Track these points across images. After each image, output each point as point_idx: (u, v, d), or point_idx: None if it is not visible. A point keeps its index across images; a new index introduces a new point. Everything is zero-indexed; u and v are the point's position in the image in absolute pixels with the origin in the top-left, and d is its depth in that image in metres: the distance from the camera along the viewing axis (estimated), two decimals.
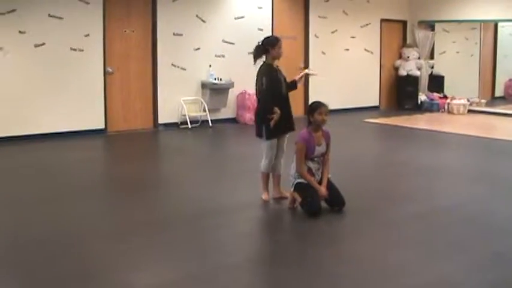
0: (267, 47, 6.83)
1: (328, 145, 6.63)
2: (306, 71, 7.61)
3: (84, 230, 5.89)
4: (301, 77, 7.20)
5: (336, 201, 6.50)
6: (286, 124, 6.88)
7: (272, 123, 6.66)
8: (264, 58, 6.91)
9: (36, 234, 5.74)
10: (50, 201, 6.97)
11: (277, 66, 6.96)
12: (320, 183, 6.52)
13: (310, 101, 13.05)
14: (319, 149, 6.54)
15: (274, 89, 6.74)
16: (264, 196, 6.94)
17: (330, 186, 6.55)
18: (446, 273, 4.88)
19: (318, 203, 6.38)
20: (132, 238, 5.69)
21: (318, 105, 6.53)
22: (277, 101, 6.72)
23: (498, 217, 6.48)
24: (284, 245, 5.66)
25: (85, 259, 5.11)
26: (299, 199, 6.48)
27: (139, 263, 5.11)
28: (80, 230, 5.90)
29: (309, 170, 6.53)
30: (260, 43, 6.91)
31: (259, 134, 6.92)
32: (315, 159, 6.56)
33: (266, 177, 6.98)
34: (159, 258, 5.22)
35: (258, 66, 6.91)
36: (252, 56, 6.96)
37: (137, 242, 5.59)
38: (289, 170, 6.67)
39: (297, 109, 14.31)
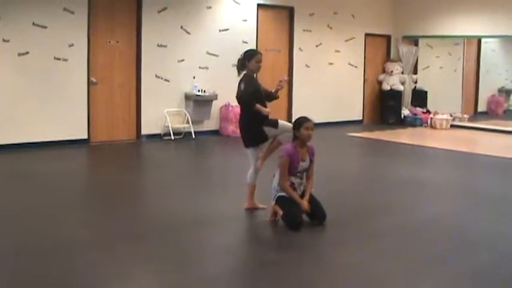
0: (245, 60, 6.91)
1: (312, 161, 6.64)
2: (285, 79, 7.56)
3: (65, 241, 5.84)
4: (280, 88, 7.23)
5: (317, 214, 6.49)
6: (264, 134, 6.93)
7: (265, 112, 6.77)
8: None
9: (16, 246, 5.69)
10: (30, 211, 6.90)
11: (256, 78, 7.04)
12: (302, 197, 6.51)
13: (293, 114, 13.11)
14: (303, 165, 6.54)
15: (256, 97, 6.79)
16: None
17: (312, 199, 6.54)
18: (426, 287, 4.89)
19: (299, 217, 6.37)
20: (114, 249, 5.66)
21: (304, 120, 6.52)
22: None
23: (478, 231, 6.51)
24: (265, 258, 5.64)
25: (66, 270, 5.06)
26: (280, 212, 6.47)
27: (121, 273, 5.07)
28: (61, 240, 5.85)
29: (291, 184, 6.51)
30: (241, 55, 7.00)
31: (255, 142, 6.95)
32: (298, 174, 6.54)
33: None
34: (140, 269, 5.19)
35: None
36: (236, 68, 7.13)
37: (119, 253, 5.56)
38: (272, 183, 6.66)
39: None
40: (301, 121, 6.52)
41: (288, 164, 6.43)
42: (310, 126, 6.50)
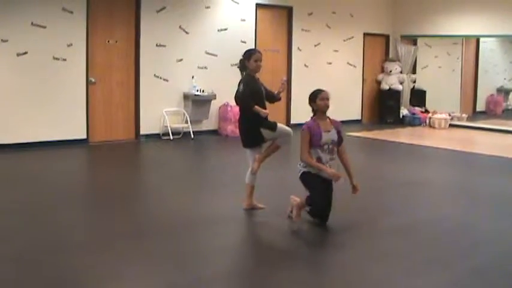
0: (244, 60, 6.89)
1: (340, 132, 6.53)
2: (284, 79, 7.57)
3: (63, 241, 5.83)
4: (282, 90, 7.23)
5: (321, 213, 6.39)
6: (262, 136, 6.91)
7: (264, 114, 6.73)
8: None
9: (14, 246, 5.68)
10: (28, 211, 6.90)
11: (258, 79, 7.01)
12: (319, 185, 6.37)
13: (292, 114, 13.09)
14: (328, 136, 6.40)
15: (255, 98, 6.76)
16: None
17: (327, 193, 6.40)
18: None
19: (324, 202, 6.28)
20: (112, 249, 5.66)
21: (318, 92, 6.47)
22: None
23: (478, 232, 6.51)
24: (263, 258, 5.64)
25: (64, 270, 5.06)
26: (296, 200, 6.44)
27: (119, 273, 5.07)
28: (59, 240, 5.85)
29: (318, 159, 6.37)
30: (242, 56, 6.99)
31: (252, 143, 6.93)
32: (325, 147, 6.39)
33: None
34: (139, 268, 5.19)
35: None
36: (237, 68, 7.15)
37: (117, 253, 5.55)
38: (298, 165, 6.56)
39: (279, 121, 14.36)
40: (316, 93, 6.47)
41: (308, 137, 6.34)
42: (326, 97, 6.43)
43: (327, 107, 6.46)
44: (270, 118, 6.94)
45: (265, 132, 6.85)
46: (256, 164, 6.90)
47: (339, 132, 6.54)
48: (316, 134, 6.35)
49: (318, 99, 6.43)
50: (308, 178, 6.41)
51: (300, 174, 6.48)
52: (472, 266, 5.41)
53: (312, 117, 6.52)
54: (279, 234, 6.37)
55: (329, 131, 6.43)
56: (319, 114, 6.47)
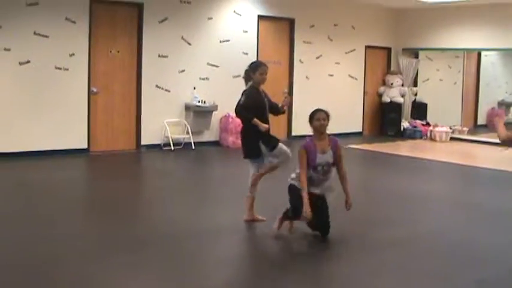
0: (250, 72, 6.89)
1: (337, 154, 6.43)
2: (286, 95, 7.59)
3: (62, 251, 5.82)
4: (286, 104, 7.24)
5: (320, 226, 6.39)
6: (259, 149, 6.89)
7: (263, 128, 6.73)
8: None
9: (12, 256, 5.67)
10: (27, 220, 6.89)
11: (263, 91, 7.01)
12: (320, 199, 6.40)
13: (293, 126, 13.09)
14: (324, 157, 6.34)
15: (257, 111, 6.76)
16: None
17: (321, 206, 6.39)
18: None
19: (299, 202, 6.21)
20: (112, 259, 5.64)
21: (314, 112, 6.43)
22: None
23: (478, 245, 6.48)
24: (263, 271, 5.63)
25: (63, 281, 5.05)
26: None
27: (120, 284, 5.07)
28: (59, 251, 5.84)
29: (310, 179, 6.33)
30: (248, 67, 6.99)
31: (251, 155, 6.91)
32: (319, 168, 6.34)
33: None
34: (138, 279, 5.18)
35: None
36: (242, 78, 7.15)
37: (117, 263, 5.54)
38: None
39: (280, 134, 14.37)
40: (313, 114, 6.43)
41: (304, 156, 6.28)
42: (322, 117, 6.37)
43: (323, 127, 6.39)
44: (272, 130, 6.93)
45: (263, 149, 6.82)
46: (257, 176, 6.88)
47: (336, 154, 6.44)
48: (311, 155, 6.31)
49: (314, 120, 6.39)
50: (293, 191, 6.39)
51: (288, 185, 6.47)
52: (472, 280, 5.39)
53: (310, 136, 6.48)
54: (279, 246, 6.37)
55: (325, 153, 6.37)
56: (317, 134, 6.43)
